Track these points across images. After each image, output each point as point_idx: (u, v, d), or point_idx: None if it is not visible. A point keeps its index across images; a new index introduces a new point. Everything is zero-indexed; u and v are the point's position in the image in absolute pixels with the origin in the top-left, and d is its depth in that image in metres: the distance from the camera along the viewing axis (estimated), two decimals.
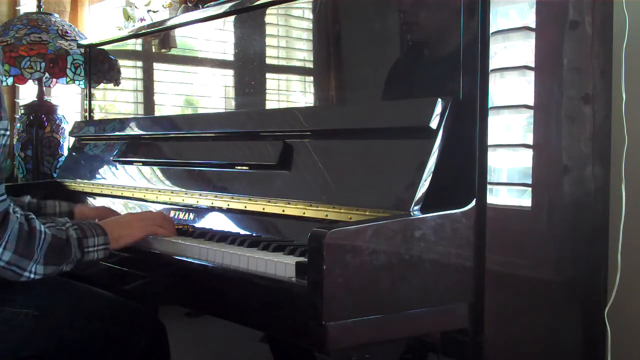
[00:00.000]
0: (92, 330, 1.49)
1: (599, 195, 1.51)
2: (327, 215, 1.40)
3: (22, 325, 1.42)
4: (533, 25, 1.37)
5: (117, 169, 2.11)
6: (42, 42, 2.65)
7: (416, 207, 1.25)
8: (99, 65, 2.50)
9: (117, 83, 2.48)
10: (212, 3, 2.06)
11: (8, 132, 1.37)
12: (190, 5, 2.30)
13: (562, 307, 1.47)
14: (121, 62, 2.47)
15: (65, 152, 2.83)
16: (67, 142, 2.86)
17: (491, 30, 1.28)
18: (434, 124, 1.28)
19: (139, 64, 2.45)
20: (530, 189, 1.37)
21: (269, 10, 1.80)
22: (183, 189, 1.81)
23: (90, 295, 1.57)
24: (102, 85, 2.53)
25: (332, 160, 1.48)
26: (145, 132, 2.07)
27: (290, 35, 1.80)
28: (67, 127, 2.85)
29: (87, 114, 2.56)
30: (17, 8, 3.93)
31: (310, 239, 1.10)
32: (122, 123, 2.20)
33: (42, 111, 2.84)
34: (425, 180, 1.26)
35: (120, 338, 1.51)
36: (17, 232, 1.32)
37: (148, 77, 2.36)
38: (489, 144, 1.28)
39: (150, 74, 2.35)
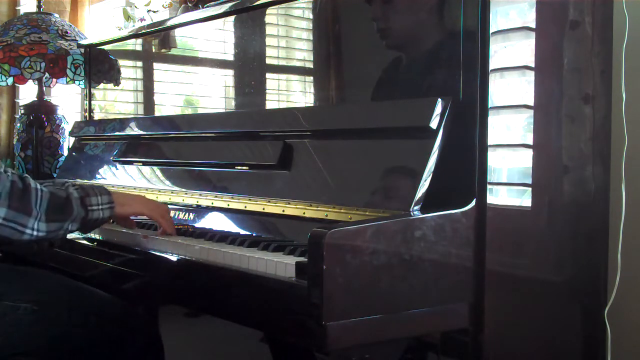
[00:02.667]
0: (89, 327, 1.48)
1: (599, 195, 1.51)
2: (327, 215, 1.40)
3: (20, 319, 1.42)
4: (533, 25, 1.37)
5: (117, 169, 2.11)
6: (42, 42, 2.65)
7: (416, 207, 1.25)
8: (99, 65, 2.50)
9: (117, 83, 2.48)
10: (212, 3, 2.06)
11: None
12: (190, 5, 2.30)
13: (562, 307, 1.47)
14: (121, 62, 2.47)
15: (65, 152, 2.83)
16: (67, 142, 2.86)
17: (491, 30, 1.28)
18: (434, 124, 1.28)
19: (139, 64, 2.45)
20: (530, 189, 1.37)
21: (269, 10, 1.80)
22: (183, 189, 1.81)
23: (88, 292, 1.57)
24: (102, 85, 2.53)
25: (332, 160, 1.48)
26: (145, 132, 2.07)
27: (290, 35, 1.80)
28: (67, 127, 2.85)
29: (87, 114, 2.56)
30: (17, 8, 3.92)
31: (310, 239, 1.10)
32: (122, 123, 2.20)
33: (42, 111, 2.83)
34: (425, 180, 1.26)
35: (116, 336, 1.51)
36: (9, 188, 1.30)
37: (148, 77, 2.36)
38: (489, 144, 1.28)
39: (150, 74, 2.35)
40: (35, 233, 1.34)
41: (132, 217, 1.65)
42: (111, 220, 1.61)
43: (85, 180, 2.21)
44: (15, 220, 1.31)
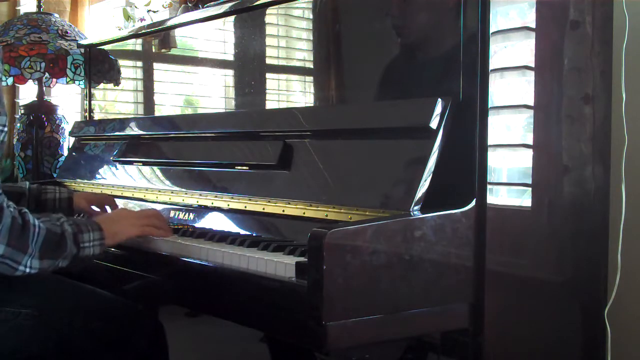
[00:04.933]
0: (92, 330, 1.48)
1: (599, 195, 1.51)
2: (327, 215, 1.40)
3: (21, 325, 1.42)
4: (533, 25, 1.37)
5: (117, 169, 2.11)
6: (42, 42, 2.65)
7: (416, 207, 1.25)
8: (99, 65, 2.50)
9: (117, 83, 2.48)
10: (212, 3, 2.06)
11: (6, 129, 1.36)
12: (190, 5, 2.30)
13: (562, 307, 1.47)
14: (121, 62, 2.47)
15: (65, 152, 2.83)
16: (67, 142, 2.86)
17: (491, 30, 1.28)
18: (434, 124, 1.28)
19: (139, 64, 2.45)
20: (530, 189, 1.37)
21: (269, 10, 1.80)
22: (183, 189, 1.81)
23: (90, 295, 1.57)
24: (102, 85, 2.53)
25: (332, 160, 1.48)
26: (145, 132, 2.07)
27: (290, 35, 1.80)
28: (67, 127, 2.86)
29: (87, 114, 2.56)
30: (17, 8, 3.93)
31: (310, 239, 1.10)
32: (122, 123, 2.20)
33: (42, 111, 2.84)
34: (425, 180, 1.26)
35: (120, 338, 1.51)
36: (9, 225, 1.30)
37: (148, 77, 2.36)
38: (489, 144, 1.28)
39: (150, 74, 2.35)
40: (27, 270, 1.34)
41: None
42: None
43: (85, 180, 2.21)
44: (11, 258, 1.32)
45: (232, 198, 1.64)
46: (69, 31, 2.81)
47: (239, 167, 1.69)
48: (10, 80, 2.63)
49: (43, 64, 2.59)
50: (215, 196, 1.69)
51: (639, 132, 1.56)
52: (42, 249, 1.35)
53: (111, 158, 2.13)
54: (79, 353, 1.48)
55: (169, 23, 2.13)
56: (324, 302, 1.08)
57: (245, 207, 1.59)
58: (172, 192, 1.84)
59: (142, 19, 2.60)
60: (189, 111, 2.16)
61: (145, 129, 2.08)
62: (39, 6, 2.96)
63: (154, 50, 2.30)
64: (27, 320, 1.43)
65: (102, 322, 1.50)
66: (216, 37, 1.99)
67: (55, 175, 2.69)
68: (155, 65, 2.33)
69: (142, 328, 1.55)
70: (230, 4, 1.86)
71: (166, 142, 1.97)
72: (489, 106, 1.28)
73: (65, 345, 1.46)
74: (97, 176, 2.18)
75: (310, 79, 1.80)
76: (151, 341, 1.55)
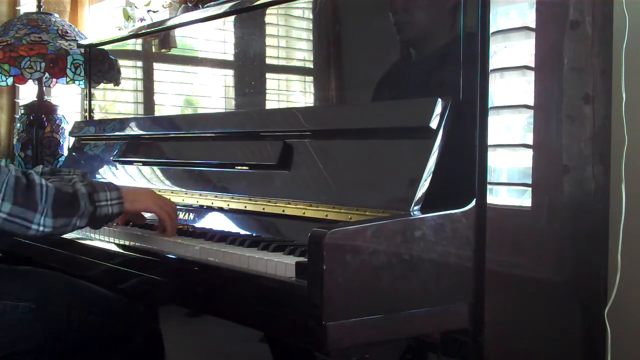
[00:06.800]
0: (89, 325, 1.48)
1: (599, 195, 1.51)
2: (327, 215, 1.40)
3: (19, 318, 1.42)
4: (533, 25, 1.37)
5: (117, 169, 2.11)
6: (42, 42, 2.65)
7: (416, 207, 1.25)
8: (99, 65, 2.50)
9: (117, 83, 2.48)
10: (212, 3, 2.06)
11: None
12: (190, 5, 2.30)
13: (562, 307, 1.47)
14: (121, 62, 2.47)
15: (65, 152, 2.83)
16: (67, 142, 2.86)
17: (491, 30, 1.28)
18: (434, 124, 1.28)
19: (139, 64, 2.45)
20: (530, 189, 1.37)
21: (269, 10, 1.80)
22: (183, 189, 1.81)
23: (88, 290, 1.57)
24: (102, 85, 2.53)
25: (332, 160, 1.48)
26: (145, 132, 2.07)
27: (290, 35, 1.80)
28: (67, 127, 2.86)
29: (87, 114, 2.56)
30: (17, 8, 3.93)
31: (310, 239, 1.10)
32: (122, 123, 2.20)
33: (42, 111, 2.84)
34: (425, 180, 1.26)
35: (117, 335, 1.52)
36: (13, 183, 1.30)
37: (148, 77, 2.36)
38: (489, 144, 1.28)
39: (150, 74, 2.35)
40: (41, 229, 1.33)
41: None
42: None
43: None
44: (21, 216, 1.31)
45: (232, 198, 1.64)
46: (69, 31, 2.81)
47: (239, 167, 1.69)
48: (10, 80, 2.63)
49: (43, 64, 2.59)
50: (215, 196, 1.69)
51: (639, 132, 1.56)
52: (54, 207, 1.33)
53: (111, 158, 2.13)
54: (76, 347, 1.48)
55: (169, 23, 2.13)
56: (324, 302, 1.08)
57: (245, 207, 1.59)
58: (172, 192, 1.84)
59: (142, 19, 2.60)
60: (189, 111, 2.16)
61: (145, 129, 2.08)
62: (39, 6, 2.96)
63: (154, 50, 2.30)
64: (24, 314, 1.42)
65: (99, 317, 1.50)
66: (216, 37, 1.99)
67: None
68: (155, 65, 2.33)
69: (138, 324, 1.55)
70: (230, 4, 1.86)
71: (166, 142, 1.97)
72: (489, 106, 1.28)
73: (62, 339, 1.46)
74: (97, 176, 2.18)
75: (310, 79, 1.80)
76: (146, 339, 1.55)
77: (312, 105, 1.72)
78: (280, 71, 1.85)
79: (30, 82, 2.73)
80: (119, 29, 2.70)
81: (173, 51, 2.19)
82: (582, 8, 1.46)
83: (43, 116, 2.82)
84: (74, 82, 2.65)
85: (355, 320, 1.12)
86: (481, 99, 1.28)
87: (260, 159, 1.63)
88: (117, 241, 1.66)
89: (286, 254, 1.30)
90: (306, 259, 1.15)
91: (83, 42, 2.62)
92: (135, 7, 2.66)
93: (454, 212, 1.24)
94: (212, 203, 1.69)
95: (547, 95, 1.40)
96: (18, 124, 2.88)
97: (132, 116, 2.36)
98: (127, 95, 2.52)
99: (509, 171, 1.33)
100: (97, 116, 2.55)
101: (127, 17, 2.65)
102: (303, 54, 1.81)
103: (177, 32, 2.14)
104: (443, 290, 1.24)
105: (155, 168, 1.97)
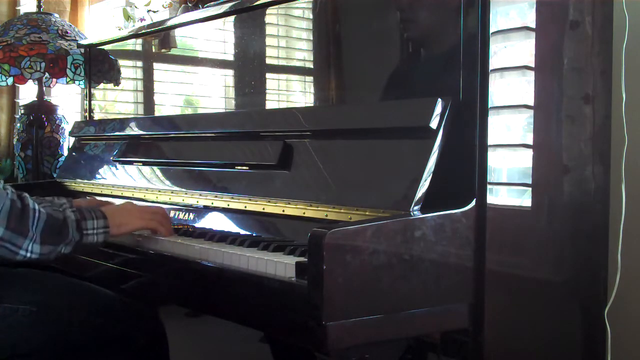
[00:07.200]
0: (91, 327, 1.48)
1: (599, 195, 1.51)
2: (327, 215, 1.40)
3: (19, 321, 1.42)
4: (533, 25, 1.37)
5: (117, 169, 2.11)
6: (42, 42, 2.65)
7: (416, 207, 1.25)
8: (99, 65, 2.50)
9: (117, 83, 2.48)
10: (212, 3, 2.06)
11: None
12: (190, 5, 2.30)
13: (562, 307, 1.47)
14: (121, 62, 2.47)
15: (65, 152, 2.83)
16: (67, 142, 2.86)
17: (491, 30, 1.28)
18: (434, 124, 1.28)
19: (139, 64, 2.45)
20: (530, 189, 1.37)
21: (269, 10, 1.80)
22: (183, 189, 1.81)
23: (89, 292, 1.57)
24: (102, 85, 2.53)
25: (332, 160, 1.48)
26: (145, 132, 2.07)
27: (290, 35, 1.80)
28: (67, 127, 2.86)
29: (87, 114, 2.56)
30: (17, 8, 3.93)
31: (310, 239, 1.10)
32: (122, 123, 2.20)
33: (42, 111, 2.84)
34: (425, 180, 1.26)
35: (119, 335, 1.51)
36: (8, 207, 1.29)
37: (148, 77, 2.36)
38: (489, 144, 1.28)
39: (150, 74, 2.35)
40: (28, 254, 1.33)
41: None
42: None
43: (86, 180, 2.21)
44: (11, 241, 1.31)
45: (232, 198, 1.64)
46: (69, 31, 2.81)
47: (239, 167, 1.69)
48: (10, 80, 2.64)
49: (43, 64, 2.59)
50: (215, 196, 1.69)
51: (639, 132, 1.56)
52: (43, 234, 1.34)
53: (111, 158, 2.13)
54: (77, 350, 1.48)
55: (169, 23, 2.13)
56: (324, 302, 1.08)
57: (245, 207, 1.59)
58: (172, 192, 1.84)
59: (142, 19, 2.60)
60: (189, 111, 2.16)
61: (145, 129, 2.08)
62: (39, 6, 2.96)
63: (154, 50, 2.30)
64: (25, 317, 1.42)
65: (100, 318, 1.50)
66: (216, 37, 1.99)
67: (55, 175, 2.69)
68: (155, 65, 2.33)
69: (141, 326, 1.55)
70: (230, 4, 1.86)
71: (166, 142, 1.97)
72: (489, 106, 1.28)
73: (63, 342, 1.46)
74: (97, 176, 2.18)
75: (310, 79, 1.80)
76: (150, 339, 1.55)
77: (312, 105, 1.72)
78: (280, 71, 1.85)
79: (30, 82, 2.73)
80: (119, 29, 2.70)
81: (173, 51, 2.19)
82: (582, 8, 1.46)
83: (43, 116, 2.82)
84: (74, 82, 2.65)
85: (355, 320, 1.12)
86: (481, 99, 1.28)
87: (260, 159, 1.63)
88: (117, 241, 1.66)
89: (286, 254, 1.30)
90: (306, 259, 1.15)
91: (83, 42, 2.62)
92: (135, 7, 2.66)
93: (454, 212, 1.24)
94: (212, 203, 1.69)
95: (547, 95, 1.40)
96: (18, 124, 2.88)
97: (132, 116, 2.36)
98: (127, 95, 2.52)
99: (509, 171, 1.33)
100: (97, 116, 2.55)
101: (127, 17, 2.65)
102: (303, 54, 1.81)
103: (177, 32, 2.14)
104: (443, 290, 1.24)
105: (155, 168, 1.97)
